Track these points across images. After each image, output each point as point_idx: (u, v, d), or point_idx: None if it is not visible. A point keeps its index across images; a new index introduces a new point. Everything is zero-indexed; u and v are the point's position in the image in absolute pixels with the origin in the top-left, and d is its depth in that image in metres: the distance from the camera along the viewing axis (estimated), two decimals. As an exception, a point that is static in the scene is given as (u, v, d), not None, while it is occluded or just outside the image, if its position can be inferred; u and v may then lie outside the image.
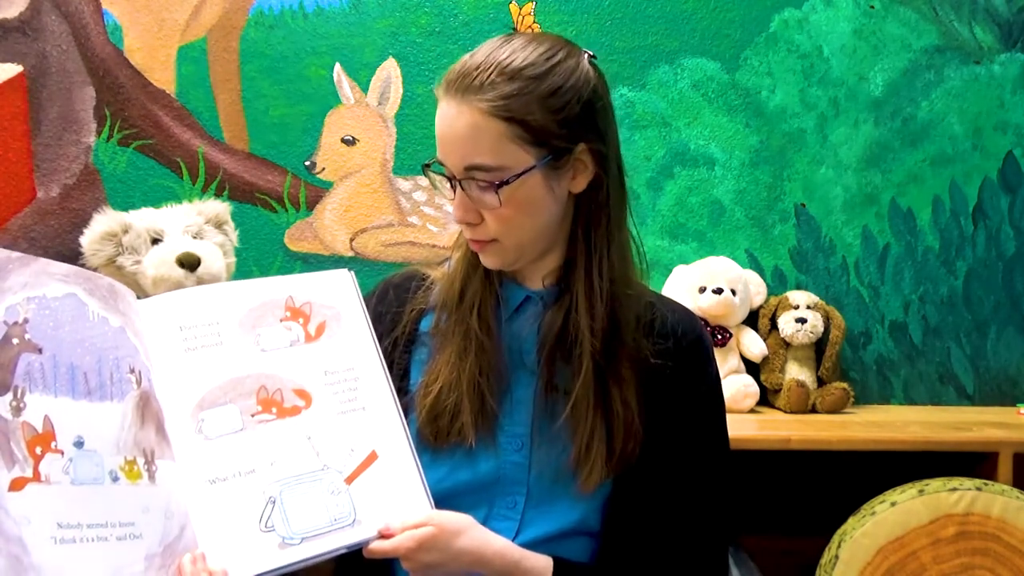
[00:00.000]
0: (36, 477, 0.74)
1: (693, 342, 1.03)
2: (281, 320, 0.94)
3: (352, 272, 1.00)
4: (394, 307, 1.06)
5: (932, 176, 1.97)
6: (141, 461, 0.81)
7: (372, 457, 0.91)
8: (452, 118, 0.93)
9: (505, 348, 1.01)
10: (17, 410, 0.75)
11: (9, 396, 0.74)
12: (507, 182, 0.92)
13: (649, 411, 0.98)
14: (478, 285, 1.02)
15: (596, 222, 0.99)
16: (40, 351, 0.78)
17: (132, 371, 0.84)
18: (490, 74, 0.92)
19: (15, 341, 0.76)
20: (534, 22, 1.93)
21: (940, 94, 1.96)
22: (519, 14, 1.94)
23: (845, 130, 1.97)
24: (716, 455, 1.03)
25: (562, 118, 0.93)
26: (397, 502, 0.90)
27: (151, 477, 0.82)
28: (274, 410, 0.90)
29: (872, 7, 1.96)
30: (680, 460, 0.99)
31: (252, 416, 0.89)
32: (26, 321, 0.78)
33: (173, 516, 0.82)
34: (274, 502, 0.86)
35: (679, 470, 0.99)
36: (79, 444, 0.77)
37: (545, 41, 0.96)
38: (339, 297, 0.98)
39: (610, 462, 0.95)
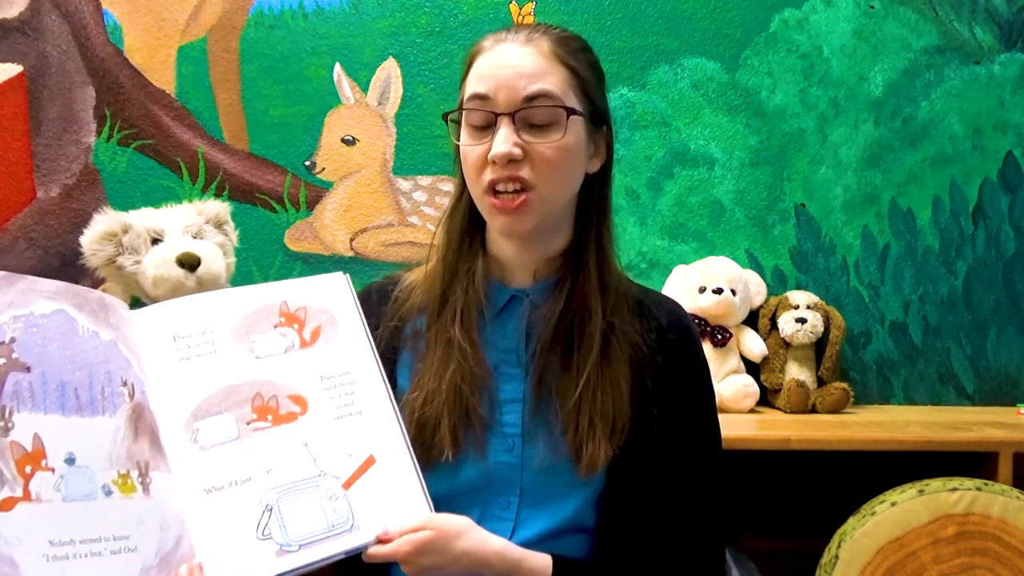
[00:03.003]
0: (27, 496, 0.74)
1: (682, 333, 1.04)
2: (275, 326, 0.94)
3: (347, 276, 1.00)
4: (376, 313, 1.06)
5: (932, 176, 1.97)
6: (135, 474, 0.81)
7: (370, 461, 0.91)
8: (518, 54, 0.96)
9: (493, 349, 1.01)
10: (5, 430, 0.75)
11: None
12: (576, 112, 0.96)
13: (639, 399, 0.98)
14: (460, 292, 1.01)
15: (604, 205, 1.03)
16: (28, 369, 0.78)
17: (124, 384, 0.84)
18: (550, 31, 0.99)
19: (1, 361, 0.77)
20: (534, 22, 1.93)
21: (940, 94, 1.96)
22: (519, 14, 1.94)
23: (845, 130, 1.97)
24: (708, 446, 1.03)
25: (600, 92, 1.01)
26: (396, 506, 0.90)
27: (145, 490, 0.82)
28: (269, 417, 0.90)
29: (872, 7, 1.96)
30: (673, 451, 0.99)
31: (247, 424, 0.89)
32: (13, 340, 0.78)
33: (169, 528, 0.82)
34: (271, 510, 0.86)
35: (672, 461, 0.99)
36: (70, 461, 0.78)
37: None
38: (334, 301, 0.97)
39: (609, 440, 0.95)
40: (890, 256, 1.97)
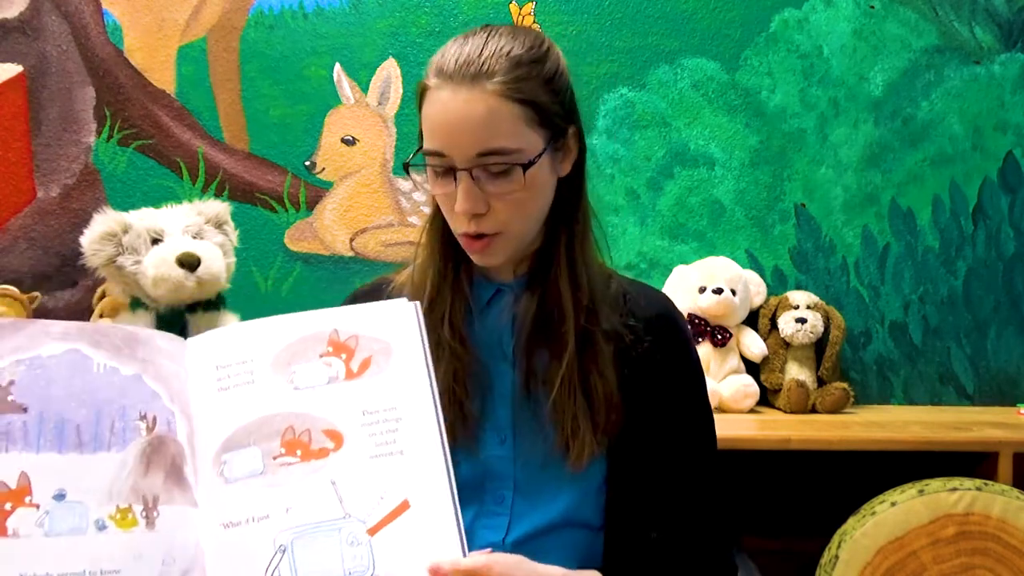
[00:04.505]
0: (2, 532, 0.75)
1: (668, 324, 1.04)
2: (321, 356, 0.88)
3: (416, 304, 0.91)
4: None
5: (932, 176, 1.97)
6: (138, 508, 0.81)
7: (403, 507, 0.84)
8: (464, 104, 0.91)
9: (481, 344, 1.01)
10: None
11: None
12: (532, 163, 0.92)
13: (632, 391, 0.98)
14: (448, 293, 1.01)
15: (576, 203, 1.01)
16: (25, 410, 0.79)
17: (143, 418, 0.83)
18: (497, 60, 0.92)
19: None
20: (534, 22, 1.94)
21: (940, 94, 1.96)
22: (519, 14, 1.94)
23: (845, 130, 1.97)
24: (704, 436, 1.04)
25: (560, 100, 0.96)
26: (426, 557, 0.82)
27: (150, 524, 0.81)
28: (298, 452, 0.85)
29: (872, 7, 1.96)
30: (670, 442, 0.99)
31: (274, 459, 0.85)
32: (11, 383, 0.79)
33: (174, 562, 0.81)
34: (284, 550, 0.82)
35: (670, 453, 0.99)
36: (60, 497, 0.78)
37: (528, 30, 0.99)
38: (393, 330, 0.89)
39: (596, 436, 0.95)
40: (890, 256, 1.97)
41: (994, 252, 1.97)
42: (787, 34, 1.96)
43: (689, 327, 1.10)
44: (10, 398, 0.79)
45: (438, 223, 1.03)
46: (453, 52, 0.93)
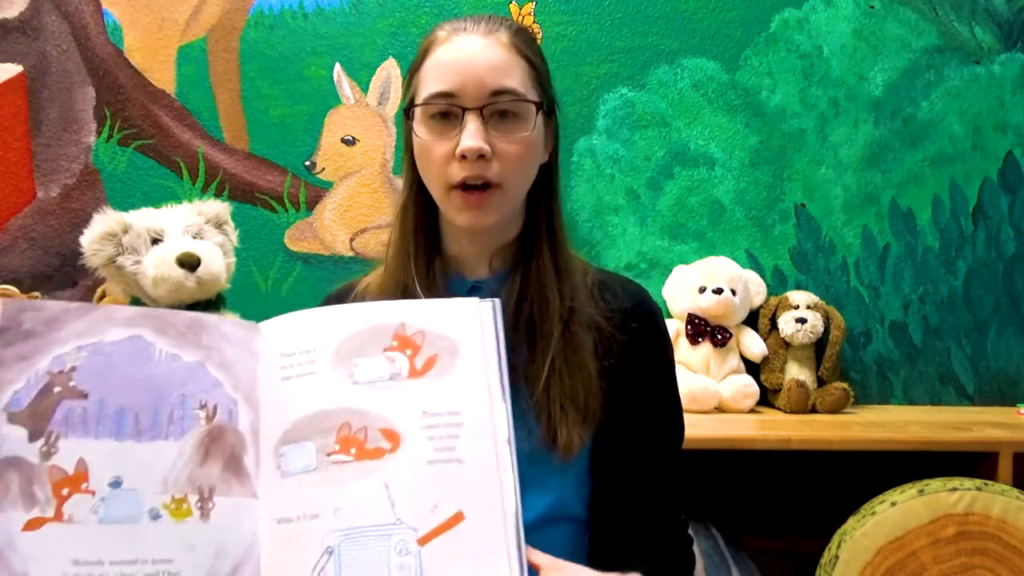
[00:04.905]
0: (58, 517, 0.75)
1: (645, 314, 1.04)
2: (385, 350, 0.84)
3: (494, 302, 0.86)
4: None
5: (932, 176, 1.97)
6: (194, 499, 0.80)
7: (457, 518, 0.79)
8: (481, 47, 0.97)
9: None
10: (47, 455, 0.77)
11: (40, 442, 0.77)
12: (541, 106, 0.97)
13: (611, 381, 0.98)
14: (421, 292, 1.01)
15: (554, 191, 1.04)
16: (85, 396, 0.79)
17: (202, 407, 0.82)
18: (505, 25, 1.00)
19: (57, 389, 0.78)
20: (534, 22, 1.94)
21: (940, 94, 1.97)
22: (519, 14, 1.94)
23: (845, 130, 1.97)
24: (677, 425, 1.05)
25: (550, 83, 1.03)
26: (475, 574, 0.78)
27: (204, 515, 0.80)
28: (353, 451, 0.81)
29: (872, 7, 1.96)
30: (647, 431, 1.00)
31: (328, 455, 0.81)
32: (73, 369, 0.79)
33: (227, 555, 0.79)
34: (331, 552, 0.79)
35: (647, 441, 1.00)
36: (116, 484, 0.78)
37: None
38: (463, 328, 0.85)
39: (583, 423, 0.95)
40: (890, 256, 1.97)
41: (994, 252, 1.97)
42: (787, 34, 1.96)
43: (664, 318, 1.10)
44: (72, 384, 0.79)
45: (410, 218, 1.03)
46: (463, 17, 1.02)
